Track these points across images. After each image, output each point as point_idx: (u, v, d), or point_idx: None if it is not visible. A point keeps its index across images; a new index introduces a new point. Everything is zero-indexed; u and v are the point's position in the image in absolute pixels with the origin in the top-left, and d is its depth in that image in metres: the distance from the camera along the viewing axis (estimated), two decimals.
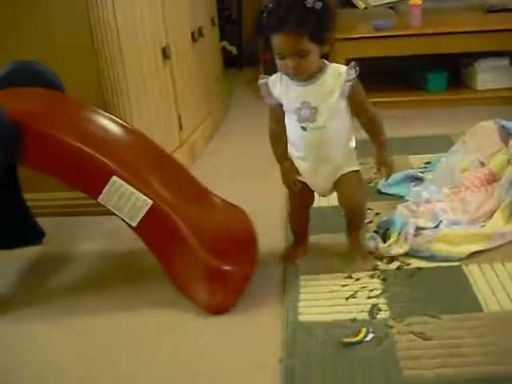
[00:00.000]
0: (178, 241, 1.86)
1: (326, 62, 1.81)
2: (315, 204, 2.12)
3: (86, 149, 1.84)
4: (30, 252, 2.41)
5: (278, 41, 1.70)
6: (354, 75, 1.79)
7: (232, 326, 1.83)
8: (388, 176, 1.98)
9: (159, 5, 2.87)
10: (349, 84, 1.79)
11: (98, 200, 1.85)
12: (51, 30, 2.40)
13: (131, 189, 1.82)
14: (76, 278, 2.22)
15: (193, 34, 3.30)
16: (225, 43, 4.87)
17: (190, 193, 2.13)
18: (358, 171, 1.95)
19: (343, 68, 1.80)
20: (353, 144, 1.94)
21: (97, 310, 1.98)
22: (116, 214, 1.87)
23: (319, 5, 1.66)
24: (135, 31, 2.61)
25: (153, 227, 1.86)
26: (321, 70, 1.79)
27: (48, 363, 1.76)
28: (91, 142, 1.90)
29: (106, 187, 1.82)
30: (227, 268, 1.88)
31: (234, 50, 5.13)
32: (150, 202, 1.83)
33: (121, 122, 2.14)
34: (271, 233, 2.28)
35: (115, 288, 2.09)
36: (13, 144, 1.81)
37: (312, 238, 2.19)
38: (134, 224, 1.84)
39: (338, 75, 1.79)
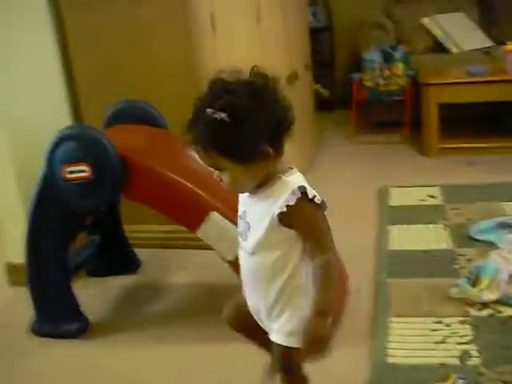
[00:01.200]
0: None
1: (281, 175, 1.36)
2: (405, 247, 2.11)
3: (187, 184, 1.94)
4: (126, 280, 2.53)
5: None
6: (292, 202, 1.31)
7: (318, 363, 1.85)
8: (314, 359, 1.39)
9: (258, 48, 2.99)
10: (282, 212, 1.32)
11: (196, 234, 1.94)
12: (159, 73, 2.57)
13: (230, 224, 1.89)
14: (167, 307, 2.31)
15: (288, 77, 3.40)
16: (317, 86, 4.97)
17: None
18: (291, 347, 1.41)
19: (289, 190, 1.33)
20: (300, 290, 1.40)
21: (185, 339, 2.06)
22: (212, 248, 1.94)
23: (223, 116, 1.26)
24: None
25: None
26: (269, 182, 1.37)
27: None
28: (192, 178, 1.99)
29: (205, 222, 1.91)
30: None
31: (325, 92, 5.22)
32: None
33: None
34: (359, 273, 2.30)
35: (204, 320, 2.15)
36: (121, 177, 1.93)
37: (403, 282, 2.19)
38: (231, 258, 1.91)
39: (278, 197, 1.34)
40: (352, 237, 2.63)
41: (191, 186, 1.94)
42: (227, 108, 1.26)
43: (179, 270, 2.57)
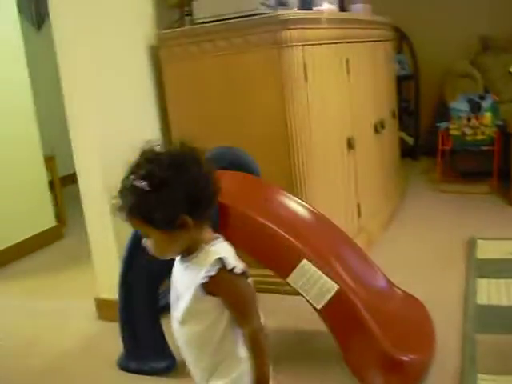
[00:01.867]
0: (359, 327, 1.92)
1: (204, 245, 1.40)
2: (494, 302, 2.08)
3: (280, 231, 1.98)
4: None
5: None
6: (213, 273, 1.34)
7: None
8: None
9: (347, 100, 3.04)
10: (205, 282, 1.34)
11: (287, 280, 1.97)
12: (252, 121, 2.65)
13: (319, 272, 1.92)
14: None
15: (375, 126, 3.42)
16: (402, 134, 4.96)
17: (371, 280, 2.19)
18: None
19: (209, 260, 1.35)
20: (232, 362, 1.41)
21: None
22: (302, 295, 1.97)
23: (143, 184, 1.31)
24: (325, 123, 2.78)
25: (336, 311, 1.94)
26: (194, 251, 1.40)
27: None
28: (284, 225, 2.04)
29: (296, 269, 1.94)
30: (405, 358, 1.90)
31: (410, 140, 5.21)
32: (337, 287, 1.91)
33: (308, 206, 2.28)
34: (447, 323, 2.27)
35: (290, 366, 2.17)
36: (216, 222, 1.99)
37: (492, 337, 2.14)
38: (319, 306, 1.93)
39: (201, 267, 1.36)
40: (439, 288, 2.61)
41: (284, 233, 1.98)
42: (147, 177, 1.31)
43: (266, 315, 2.58)
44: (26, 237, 3.91)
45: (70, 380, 2.28)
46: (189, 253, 1.41)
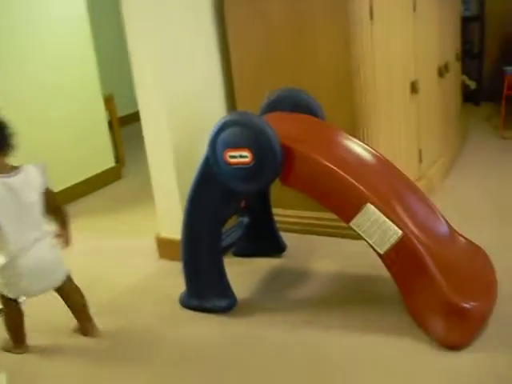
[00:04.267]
0: (422, 273, 1.91)
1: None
2: None
3: (344, 174, 1.96)
4: (272, 263, 2.61)
5: None
6: None
7: (461, 362, 1.83)
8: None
9: (411, 42, 2.95)
10: None
11: (350, 224, 1.96)
12: (317, 63, 2.60)
13: (383, 217, 1.91)
14: (312, 293, 2.35)
15: (440, 70, 3.33)
16: (464, 77, 4.81)
17: (434, 226, 2.17)
18: None
19: None
20: None
21: (329, 328, 2.09)
22: (364, 239, 1.97)
23: None
24: (389, 66, 2.72)
25: (399, 256, 1.93)
26: None
27: (276, 366, 1.91)
28: (348, 168, 2.02)
29: (360, 213, 1.93)
30: (467, 305, 1.89)
31: (472, 84, 5.05)
32: (400, 232, 1.90)
33: (372, 150, 2.24)
34: (508, 272, 2.23)
35: (349, 309, 2.19)
36: (280, 165, 1.99)
37: None
38: (382, 251, 1.93)
39: None
40: (501, 237, 2.58)
41: (348, 176, 1.96)
42: None
43: (324, 257, 2.61)
44: (87, 177, 3.99)
45: (135, 314, 2.35)
46: None
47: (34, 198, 2.00)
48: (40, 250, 2.02)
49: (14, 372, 2.04)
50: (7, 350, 2.18)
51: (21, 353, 2.17)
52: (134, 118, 5.31)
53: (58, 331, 2.26)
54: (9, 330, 2.18)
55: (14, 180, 1.95)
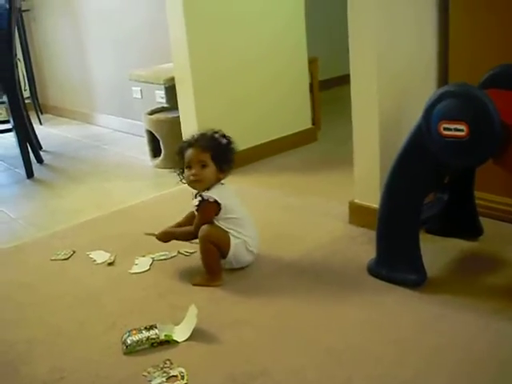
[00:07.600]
0: None
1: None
2: None
3: None
4: (466, 245, 2.51)
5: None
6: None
7: None
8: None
9: None
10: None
11: None
12: None
13: None
14: (505, 283, 2.23)
15: None
16: None
17: None
18: None
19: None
20: None
21: None
22: None
23: (224, 141, 2.36)
24: None
25: None
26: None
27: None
28: None
29: None
30: None
31: None
32: None
33: None
34: None
35: None
36: (498, 144, 1.89)
37: None
38: None
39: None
40: None
41: None
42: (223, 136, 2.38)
43: None
44: (284, 135, 4.09)
45: (319, 275, 2.39)
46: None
47: None
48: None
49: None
50: (204, 285, 2.32)
51: (219, 285, 2.31)
52: (332, 82, 5.38)
53: None
54: (207, 263, 2.33)
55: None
